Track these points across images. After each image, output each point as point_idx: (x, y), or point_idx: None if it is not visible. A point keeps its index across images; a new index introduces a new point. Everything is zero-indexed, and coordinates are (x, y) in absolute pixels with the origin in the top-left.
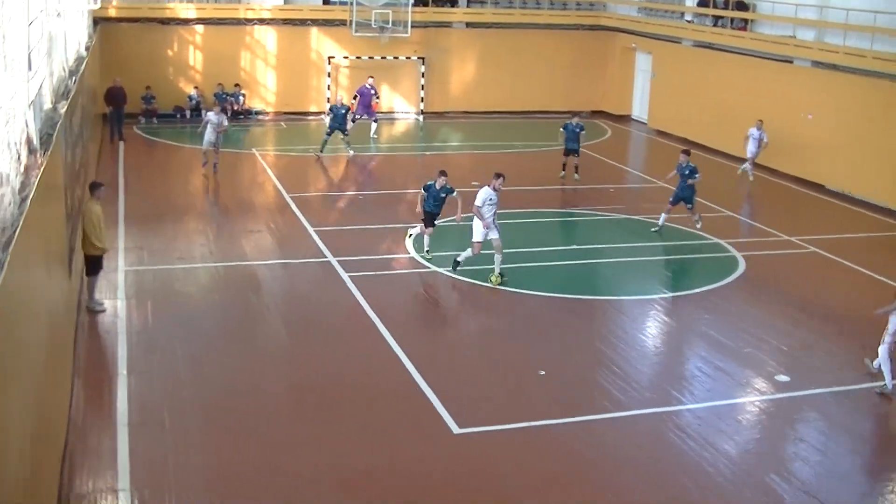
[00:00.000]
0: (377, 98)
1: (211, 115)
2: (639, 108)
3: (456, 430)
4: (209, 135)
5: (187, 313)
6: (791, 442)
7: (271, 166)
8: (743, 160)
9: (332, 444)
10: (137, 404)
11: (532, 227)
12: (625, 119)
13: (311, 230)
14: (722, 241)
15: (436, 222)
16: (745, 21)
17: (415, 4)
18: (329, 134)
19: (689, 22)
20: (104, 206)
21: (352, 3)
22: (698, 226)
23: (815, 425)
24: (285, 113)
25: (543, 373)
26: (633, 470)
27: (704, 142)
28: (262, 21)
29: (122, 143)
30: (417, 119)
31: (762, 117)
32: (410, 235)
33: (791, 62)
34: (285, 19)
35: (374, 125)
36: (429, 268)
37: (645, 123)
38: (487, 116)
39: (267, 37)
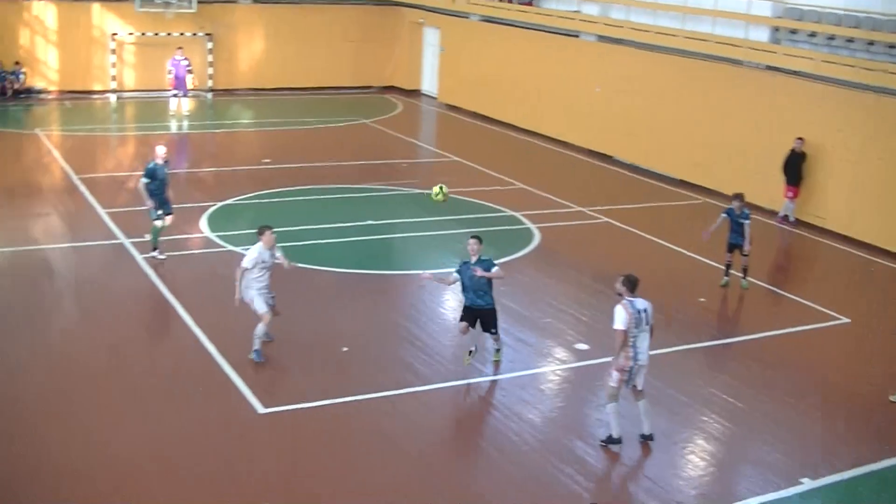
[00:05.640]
0: (190, 70)
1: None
2: (429, 83)
3: (261, 409)
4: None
5: None
6: (593, 408)
7: (57, 147)
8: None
9: (133, 431)
10: None
11: (325, 202)
12: (415, 94)
13: (101, 212)
14: (517, 214)
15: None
16: None
17: None
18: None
19: None
20: None
21: None
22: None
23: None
24: (69, 91)
25: (346, 349)
26: (438, 442)
27: (494, 115)
28: None
29: None
30: (206, 97)
31: (549, 88)
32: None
33: (577, 36)
34: None
35: (182, 101)
36: (224, 247)
37: (435, 98)
38: (277, 93)
39: (46, 13)
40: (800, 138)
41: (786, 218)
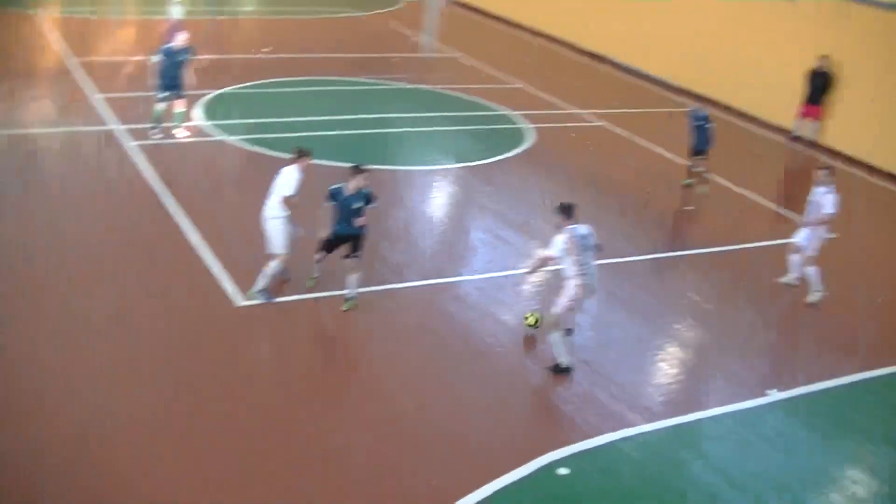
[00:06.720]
0: None
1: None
2: None
3: (239, 302)
4: None
5: None
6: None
7: (54, 30)
8: None
9: (110, 316)
10: None
11: (316, 94)
12: None
13: (95, 97)
14: (510, 113)
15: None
16: None
17: None
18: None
19: None
20: None
21: None
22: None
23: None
24: None
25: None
26: (409, 341)
27: (508, 16)
28: None
29: None
30: None
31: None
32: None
33: None
34: None
35: None
36: (214, 137)
37: None
38: None
39: None
40: (824, 56)
41: (798, 138)
